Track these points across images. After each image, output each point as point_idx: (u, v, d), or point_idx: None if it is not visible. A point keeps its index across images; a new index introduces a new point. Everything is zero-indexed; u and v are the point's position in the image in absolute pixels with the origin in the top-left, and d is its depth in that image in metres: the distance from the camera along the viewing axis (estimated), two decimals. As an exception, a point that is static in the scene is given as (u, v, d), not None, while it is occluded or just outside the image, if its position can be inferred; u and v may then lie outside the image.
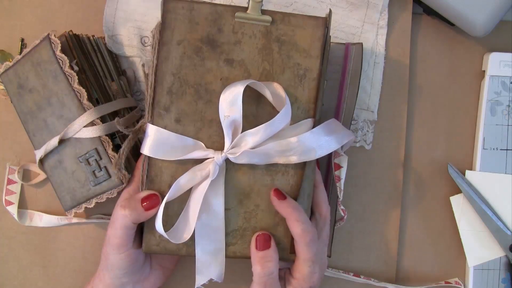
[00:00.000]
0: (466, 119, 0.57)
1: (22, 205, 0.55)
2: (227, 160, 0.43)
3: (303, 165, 0.44)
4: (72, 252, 0.55)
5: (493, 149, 0.55)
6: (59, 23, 0.55)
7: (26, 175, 0.55)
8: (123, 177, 0.46)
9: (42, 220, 0.54)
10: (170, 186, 0.42)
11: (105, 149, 0.47)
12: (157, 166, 0.43)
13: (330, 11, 0.44)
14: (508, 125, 0.55)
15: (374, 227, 0.55)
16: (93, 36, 0.52)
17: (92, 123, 0.47)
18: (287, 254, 0.45)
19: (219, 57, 0.43)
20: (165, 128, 0.43)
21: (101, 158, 0.47)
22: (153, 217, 0.43)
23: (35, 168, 0.55)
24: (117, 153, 0.46)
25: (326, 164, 0.52)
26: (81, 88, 0.46)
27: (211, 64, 0.43)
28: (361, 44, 0.52)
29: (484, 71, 0.56)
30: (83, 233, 0.54)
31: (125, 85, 0.53)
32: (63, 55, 0.46)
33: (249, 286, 0.43)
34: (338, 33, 0.55)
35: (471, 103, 0.57)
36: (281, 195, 0.43)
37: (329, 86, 0.52)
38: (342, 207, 0.50)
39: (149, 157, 0.43)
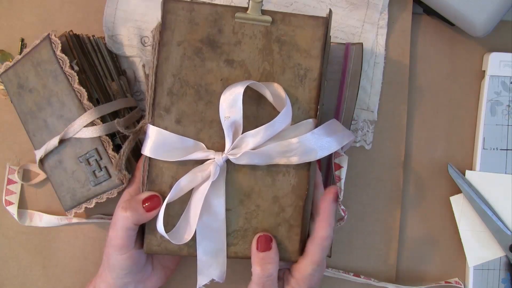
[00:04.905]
0: (466, 119, 0.57)
1: (22, 205, 0.55)
2: (227, 161, 0.43)
3: (304, 166, 0.44)
4: (72, 252, 0.55)
5: (493, 149, 0.55)
6: (59, 23, 0.55)
7: (26, 175, 0.55)
8: (123, 178, 0.46)
9: (42, 220, 0.54)
10: (171, 187, 0.42)
11: (105, 149, 0.47)
12: (157, 167, 0.43)
13: (330, 11, 0.43)
14: (508, 125, 0.55)
15: (374, 227, 0.55)
16: (93, 36, 0.52)
17: (92, 123, 0.47)
18: (288, 255, 0.45)
19: (220, 57, 0.43)
20: (165, 129, 0.43)
21: (101, 158, 0.47)
22: (154, 218, 0.43)
23: (35, 168, 0.54)
24: (117, 153, 0.46)
25: (327, 164, 0.52)
26: (81, 88, 0.46)
27: (211, 64, 0.43)
28: (361, 44, 0.52)
29: (484, 71, 0.56)
30: (83, 233, 0.54)
31: (125, 85, 0.53)
32: (63, 55, 0.46)
33: (249, 286, 0.44)
34: (338, 33, 0.55)
35: (471, 103, 0.57)
36: (336, 196, 0.44)
37: (329, 86, 0.52)
38: (342, 207, 0.50)
39: (149, 158, 0.43)
